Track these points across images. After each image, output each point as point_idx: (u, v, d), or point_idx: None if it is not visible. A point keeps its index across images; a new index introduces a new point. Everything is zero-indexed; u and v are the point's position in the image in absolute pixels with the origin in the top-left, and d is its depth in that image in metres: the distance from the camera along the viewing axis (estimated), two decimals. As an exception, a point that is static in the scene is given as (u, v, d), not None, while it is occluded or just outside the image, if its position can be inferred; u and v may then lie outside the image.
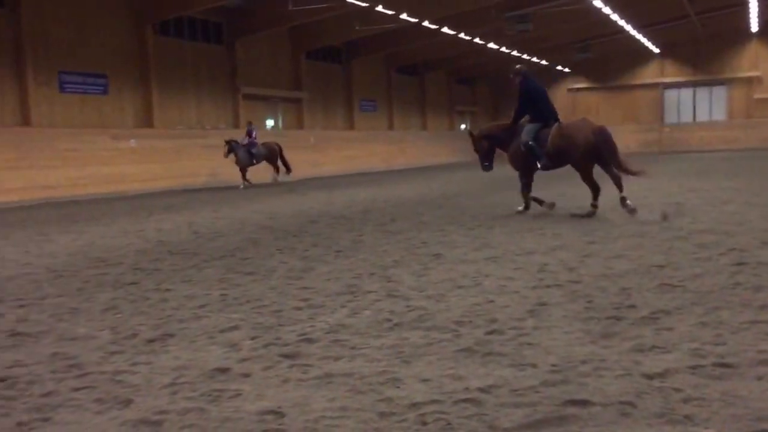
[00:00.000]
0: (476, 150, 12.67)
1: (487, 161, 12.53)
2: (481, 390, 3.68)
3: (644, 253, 7.75)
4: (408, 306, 5.66)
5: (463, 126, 54.91)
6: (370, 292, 6.28)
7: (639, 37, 46.87)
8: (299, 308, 5.77)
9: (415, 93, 49.31)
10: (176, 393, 3.83)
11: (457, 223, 11.21)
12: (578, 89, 57.91)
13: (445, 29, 36.87)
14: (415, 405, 3.51)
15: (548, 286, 6.19)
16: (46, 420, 3.50)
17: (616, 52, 53.24)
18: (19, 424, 3.47)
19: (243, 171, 25.28)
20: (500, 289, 6.15)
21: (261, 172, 26.45)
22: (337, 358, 4.36)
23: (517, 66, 12.10)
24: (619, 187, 11.18)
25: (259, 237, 10.70)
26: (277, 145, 26.01)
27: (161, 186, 25.76)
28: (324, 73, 39.35)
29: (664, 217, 10.64)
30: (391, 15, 32.32)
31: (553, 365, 4.02)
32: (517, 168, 12.02)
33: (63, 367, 4.39)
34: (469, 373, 3.95)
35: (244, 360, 4.40)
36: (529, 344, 4.47)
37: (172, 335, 5.07)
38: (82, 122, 25.34)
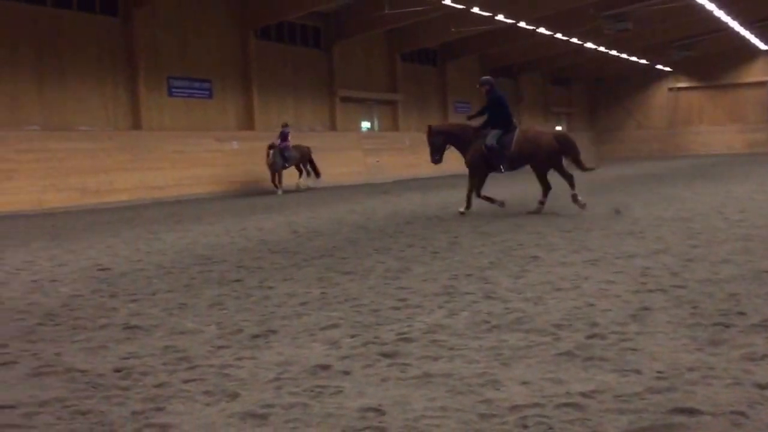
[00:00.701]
0: (430, 143, 13.49)
1: (437, 155, 13.44)
2: (583, 395, 3.59)
3: (752, 258, 7.40)
4: (506, 308, 5.60)
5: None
6: (467, 293, 6.24)
7: (745, 33, 44.81)
8: (397, 308, 5.80)
9: (510, 94, 48.75)
10: (280, 388, 3.91)
11: (553, 225, 11.01)
12: (680, 89, 55.92)
13: (541, 30, 36.30)
14: (515, 407, 3.47)
15: (651, 291, 5.99)
16: (159, 410, 3.63)
17: (721, 50, 51.04)
18: (134, 413, 3.61)
19: (275, 175, 24.79)
20: (600, 293, 6.00)
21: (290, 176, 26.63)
22: (435, 359, 4.35)
23: (484, 77, 13.32)
24: (572, 185, 12.60)
25: (356, 237, 10.81)
26: (308, 148, 26.08)
27: (260, 186, 26.40)
28: (419, 75, 39.42)
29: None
30: (487, 16, 32.04)
31: (659, 372, 3.89)
32: (473, 170, 13.16)
33: (174, 359, 4.56)
34: (570, 377, 3.87)
35: (344, 357, 4.45)
36: (633, 350, 4.33)
37: (275, 331, 5.18)
38: (188, 125, 26.25)
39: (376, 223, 12.89)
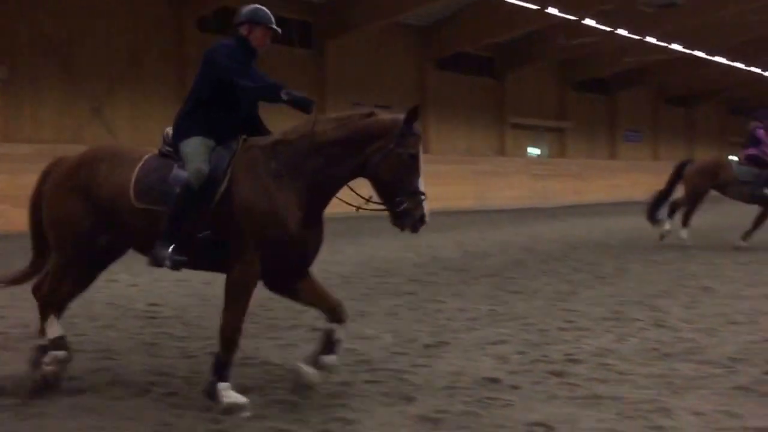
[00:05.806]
0: None
1: None
2: (761, 431, 3.37)
3: None
4: (676, 337, 5.34)
5: (732, 157, 50.20)
6: (635, 319, 6.01)
7: None
8: (564, 329, 5.69)
9: (683, 123, 46.18)
10: (453, 396, 3.97)
11: (729, 257, 10.32)
12: None
13: (719, 59, 34.19)
14: (687, 437, 3.31)
15: (837, 330, 5.49)
16: (343, 406, 3.80)
17: None
18: (321, 406, 3.80)
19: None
20: (780, 329, 5.57)
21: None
22: (603, 381, 4.24)
23: None
24: None
25: (523, 258, 10.69)
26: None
27: (434, 207, 26.68)
28: (589, 104, 38.33)
29: None
30: (662, 46, 30.67)
31: None
32: None
33: (354, 361, 4.74)
34: (747, 412, 3.64)
35: (513, 373, 4.44)
36: (816, 389, 4.00)
37: (446, 343, 5.26)
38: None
39: (542, 246, 12.65)
